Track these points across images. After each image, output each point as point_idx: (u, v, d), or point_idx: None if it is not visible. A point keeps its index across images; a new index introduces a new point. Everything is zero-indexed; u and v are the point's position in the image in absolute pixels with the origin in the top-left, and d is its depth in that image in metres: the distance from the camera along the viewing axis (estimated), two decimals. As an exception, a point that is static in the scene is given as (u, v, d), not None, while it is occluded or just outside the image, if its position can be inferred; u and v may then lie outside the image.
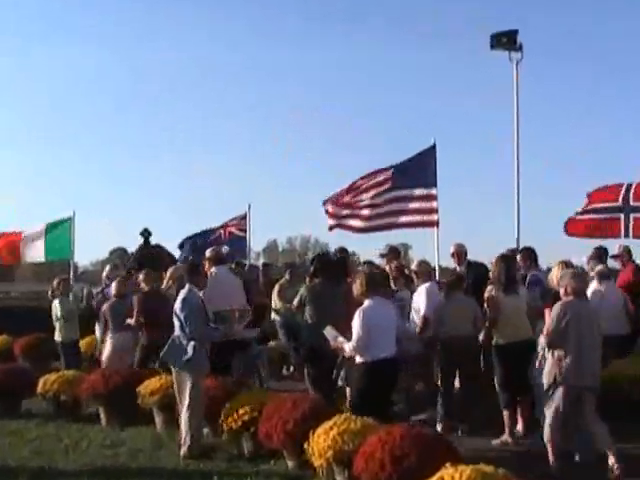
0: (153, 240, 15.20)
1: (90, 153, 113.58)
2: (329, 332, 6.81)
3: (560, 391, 6.05)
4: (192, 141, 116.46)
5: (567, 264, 7.49)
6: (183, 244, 15.20)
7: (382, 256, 10.20)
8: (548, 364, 6.19)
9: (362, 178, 11.00)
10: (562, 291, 6.28)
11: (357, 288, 6.62)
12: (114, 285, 10.34)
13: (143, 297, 9.43)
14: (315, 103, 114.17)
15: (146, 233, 14.49)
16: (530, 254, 8.86)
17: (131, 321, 9.40)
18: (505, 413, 7.23)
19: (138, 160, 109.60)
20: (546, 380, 6.18)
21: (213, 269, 8.36)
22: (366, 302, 6.51)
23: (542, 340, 6.25)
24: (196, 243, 14.69)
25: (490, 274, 7.94)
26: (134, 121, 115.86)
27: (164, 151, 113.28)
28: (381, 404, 6.34)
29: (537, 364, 6.60)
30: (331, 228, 11.34)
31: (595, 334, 6.15)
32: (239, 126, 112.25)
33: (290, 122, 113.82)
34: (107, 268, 12.90)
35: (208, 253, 8.77)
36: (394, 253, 10.17)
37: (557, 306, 6.18)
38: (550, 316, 6.38)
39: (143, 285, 9.70)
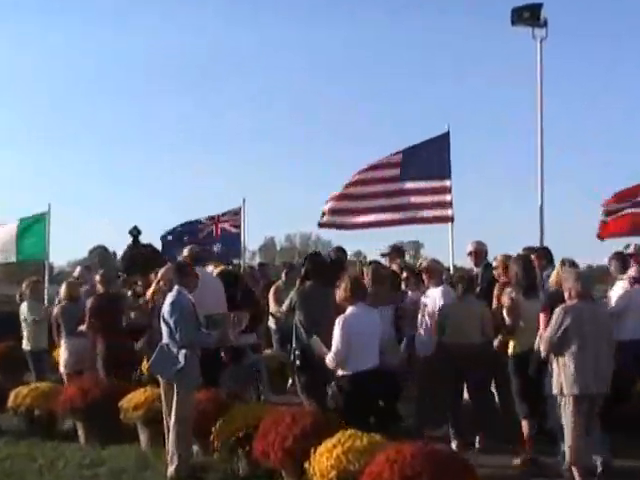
0: (143, 239, 15.10)
1: (69, 143, 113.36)
2: (315, 342, 7.01)
3: (571, 404, 6.11)
4: (184, 133, 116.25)
5: (567, 262, 7.58)
6: (166, 237, 15.11)
7: (383, 256, 10.21)
8: (555, 373, 6.26)
9: (367, 169, 10.94)
10: (566, 294, 6.37)
11: (340, 294, 6.77)
12: (63, 287, 10.45)
13: (97, 300, 9.52)
14: (317, 88, 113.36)
15: (135, 231, 14.32)
16: (546, 254, 8.95)
17: (83, 327, 9.52)
18: (524, 423, 7.26)
19: (125, 152, 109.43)
20: (556, 391, 6.25)
21: None
22: (349, 309, 6.66)
23: (541, 347, 6.33)
24: (182, 236, 14.62)
25: (495, 274, 7.98)
26: (120, 111, 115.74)
27: (155, 144, 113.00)
28: (367, 418, 6.47)
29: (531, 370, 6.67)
30: (322, 225, 11.26)
31: (604, 337, 6.22)
32: (234, 117, 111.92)
33: (290, 111, 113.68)
34: (77, 270, 12.82)
35: (185, 252, 8.81)
36: (397, 252, 10.15)
37: (557, 311, 6.27)
38: (545, 320, 6.59)
39: (99, 287, 9.80)
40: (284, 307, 8.34)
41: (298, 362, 7.66)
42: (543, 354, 6.33)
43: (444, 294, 8.17)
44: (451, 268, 9.85)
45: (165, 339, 7.11)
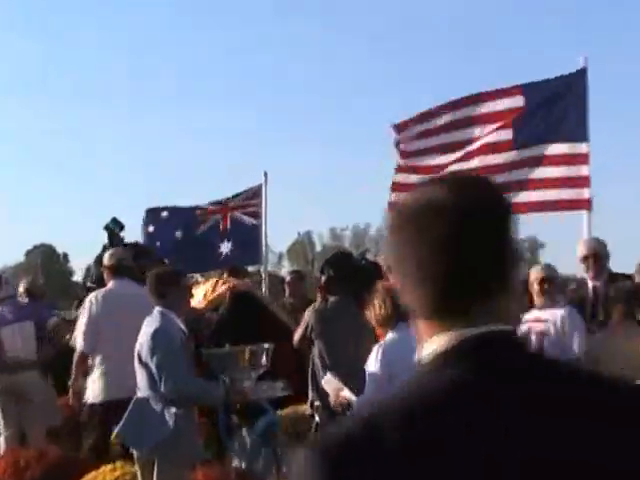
0: (125, 236, 14.68)
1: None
2: (329, 382, 7.33)
3: None
4: (170, 78, 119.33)
5: None
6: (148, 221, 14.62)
7: None
8: None
9: (451, 123, 10.40)
10: None
11: (375, 312, 6.87)
12: None
13: None
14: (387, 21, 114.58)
15: (113, 226, 13.93)
16: None
17: None
18: None
19: (84, 107, 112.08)
20: None
21: (112, 283, 8.74)
22: (389, 335, 6.83)
23: None
24: (173, 231, 14.21)
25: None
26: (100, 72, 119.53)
27: (144, 106, 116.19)
28: None
29: None
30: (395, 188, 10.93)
31: None
32: (249, 48, 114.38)
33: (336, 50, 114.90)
34: None
35: (106, 259, 9.08)
36: None
37: None
38: None
39: None
40: (296, 336, 8.32)
41: (317, 418, 7.81)
42: None
43: (570, 318, 8.10)
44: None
45: (142, 390, 6.87)
